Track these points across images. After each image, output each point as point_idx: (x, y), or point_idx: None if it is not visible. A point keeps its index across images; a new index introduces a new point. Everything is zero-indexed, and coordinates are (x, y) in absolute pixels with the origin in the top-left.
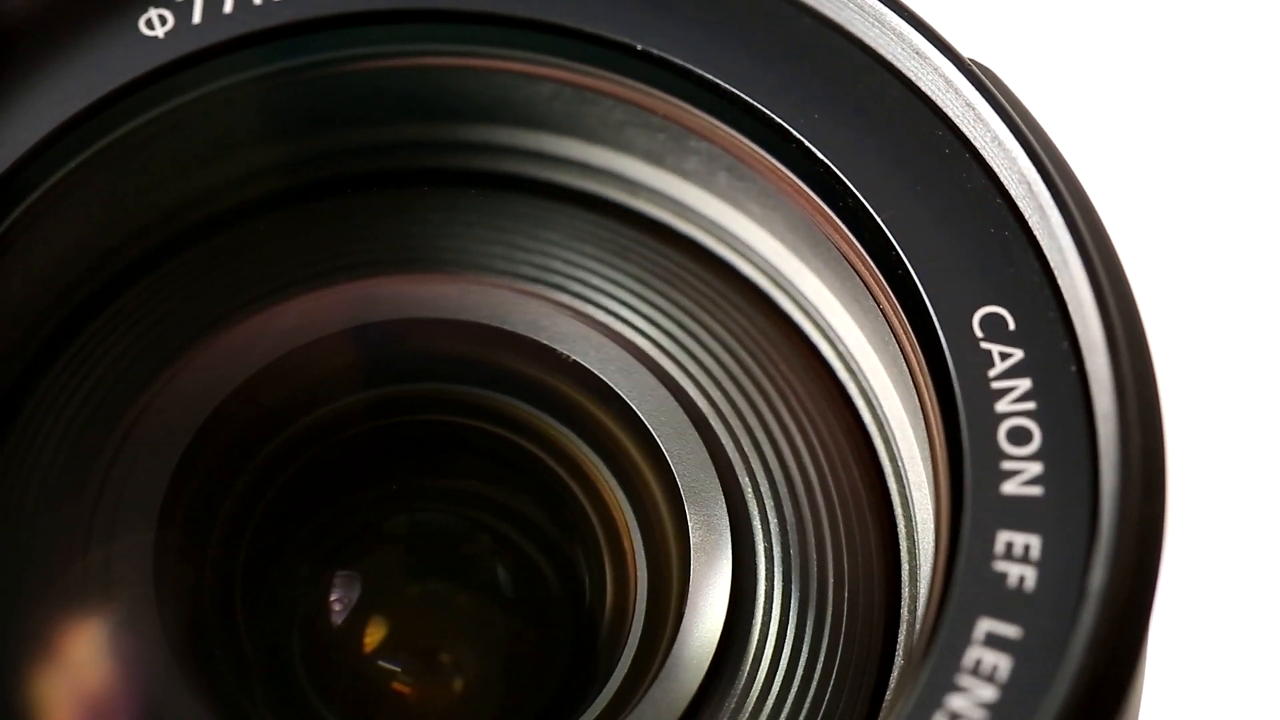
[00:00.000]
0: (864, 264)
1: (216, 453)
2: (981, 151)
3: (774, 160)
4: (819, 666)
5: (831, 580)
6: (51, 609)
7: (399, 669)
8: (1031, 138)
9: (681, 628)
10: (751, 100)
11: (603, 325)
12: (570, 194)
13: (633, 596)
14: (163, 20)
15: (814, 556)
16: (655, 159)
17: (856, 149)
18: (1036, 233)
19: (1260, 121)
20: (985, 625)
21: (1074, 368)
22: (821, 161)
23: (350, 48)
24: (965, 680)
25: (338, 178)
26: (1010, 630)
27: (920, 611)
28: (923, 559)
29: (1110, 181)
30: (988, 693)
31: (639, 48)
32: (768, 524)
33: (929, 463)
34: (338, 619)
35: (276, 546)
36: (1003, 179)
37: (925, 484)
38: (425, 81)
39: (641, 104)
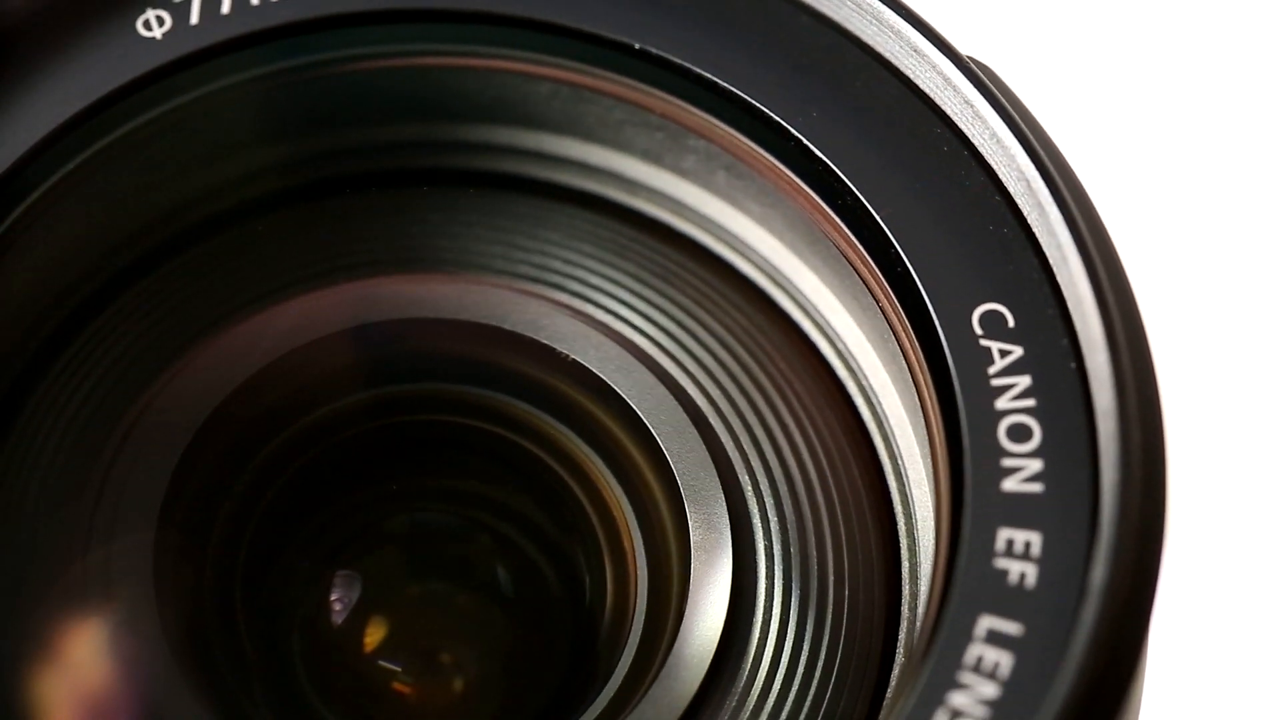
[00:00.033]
0: (863, 262)
1: (216, 453)
2: (980, 149)
3: (772, 159)
4: (820, 664)
5: (832, 578)
6: (52, 609)
7: (399, 669)
8: (1030, 135)
9: (682, 627)
10: (750, 99)
11: (602, 324)
12: (569, 193)
13: (633, 596)
14: (160, 21)
15: (814, 554)
16: (654, 158)
17: (855, 147)
18: (1035, 230)
19: (1258, 116)
20: (986, 622)
21: (1073, 364)
22: (820, 160)
23: (349, 48)
24: (967, 677)
25: (337, 178)
26: (1011, 627)
27: (921, 609)
28: (923, 556)
29: (1109, 178)
30: (989, 690)
31: (637, 47)
32: (768, 522)
33: (929, 460)
34: (338, 619)
35: (277, 546)
36: (1001, 176)
37: (925, 481)
38: (424, 81)
39: (640, 103)
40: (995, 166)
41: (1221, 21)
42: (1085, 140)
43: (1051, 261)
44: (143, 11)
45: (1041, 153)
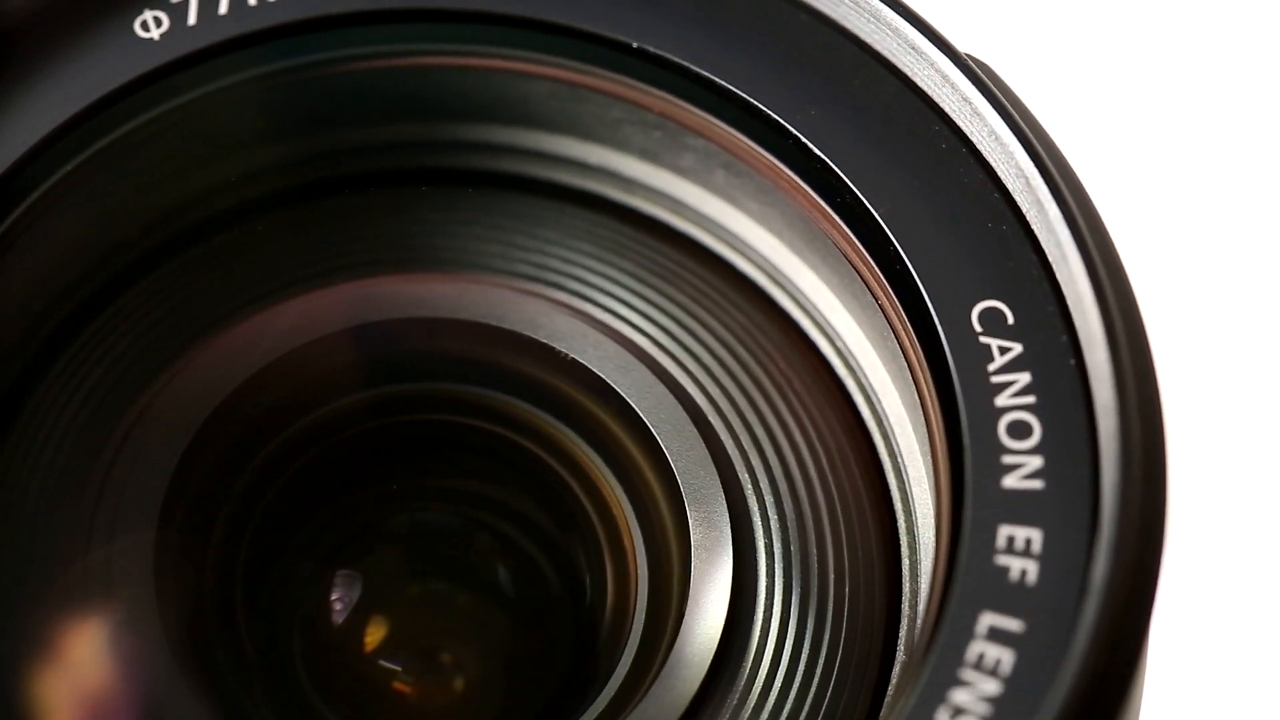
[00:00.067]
0: (862, 260)
1: (217, 453)
2: (979, 146)
3: (771, 157)
4: (821, 663)
5: (832, 576)
6: (52, 609)
7: (399, 669)
8: (1029, 132)
9: (682, 625)
10: (748, 97)
11: (601, 323)
12: (568, 192)
13: (633, 595)
14: (158, 22)
15: (814, 552)
16: (652, 156)
17: (854, 145)
18: (1034, 227)
19: (1257, 112)
20: (988, 619)
21: (1073, 361)
22: (818, 157)
23: (346, 48)
24: (968, 674)
25: (336, 178)
26: (1013, 624)
27: (922, 607)
28: (923, 554)
29: (1107, 175)
30: (991, 686)
31: (635, 45)
32: (768, 520)
33: (929, 458)
34: (338, 619)
35: (277, 546)
36: (1000, 174)
37: (925, 479)
38: (422, 81)
39: (638, 102)
40: (994, 164)
41: (1221, 20)
42: (1084, 137)
43: (1051, 258)
44: (140, 12)
45: (1040, 150)
